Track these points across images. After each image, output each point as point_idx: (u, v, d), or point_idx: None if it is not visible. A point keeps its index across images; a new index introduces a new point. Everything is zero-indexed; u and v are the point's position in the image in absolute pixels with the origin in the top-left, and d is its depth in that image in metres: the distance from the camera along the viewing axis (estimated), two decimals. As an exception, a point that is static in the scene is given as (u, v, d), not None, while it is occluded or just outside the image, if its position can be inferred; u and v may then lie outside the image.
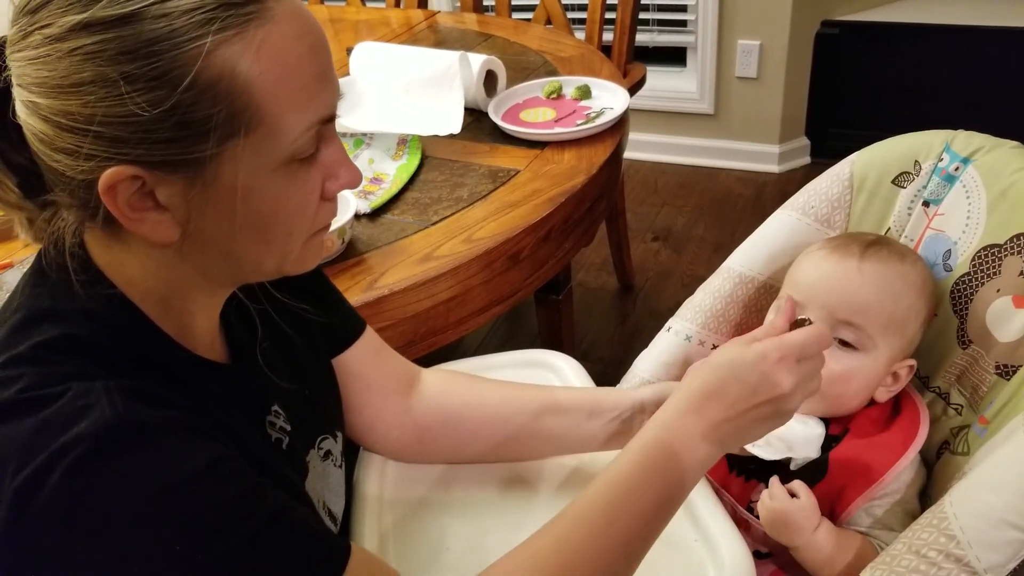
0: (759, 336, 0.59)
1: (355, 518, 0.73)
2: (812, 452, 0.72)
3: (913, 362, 0.76)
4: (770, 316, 0.82)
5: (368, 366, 0.73)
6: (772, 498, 0.73)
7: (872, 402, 0.77)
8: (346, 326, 0.73)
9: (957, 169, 0.80)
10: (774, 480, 0.74)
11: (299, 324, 0.66)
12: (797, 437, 0.71)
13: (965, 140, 0.81)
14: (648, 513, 0.53)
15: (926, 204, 0.82)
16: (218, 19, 0.43)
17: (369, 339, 0.74)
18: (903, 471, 0.72)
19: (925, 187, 0.82)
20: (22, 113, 0.46)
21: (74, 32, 0.43)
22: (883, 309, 0.73)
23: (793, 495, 0.72)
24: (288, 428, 0.61)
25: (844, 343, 0.74)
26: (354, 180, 0.53)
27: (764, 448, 0.71)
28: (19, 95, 0.46)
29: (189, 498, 0.43)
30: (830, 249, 0.76)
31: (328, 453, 0.67)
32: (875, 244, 0.76)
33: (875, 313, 0.73)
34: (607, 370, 1.73)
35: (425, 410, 0.76)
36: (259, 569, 0.44)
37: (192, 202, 0.47)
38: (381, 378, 0.74)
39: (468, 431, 0.75)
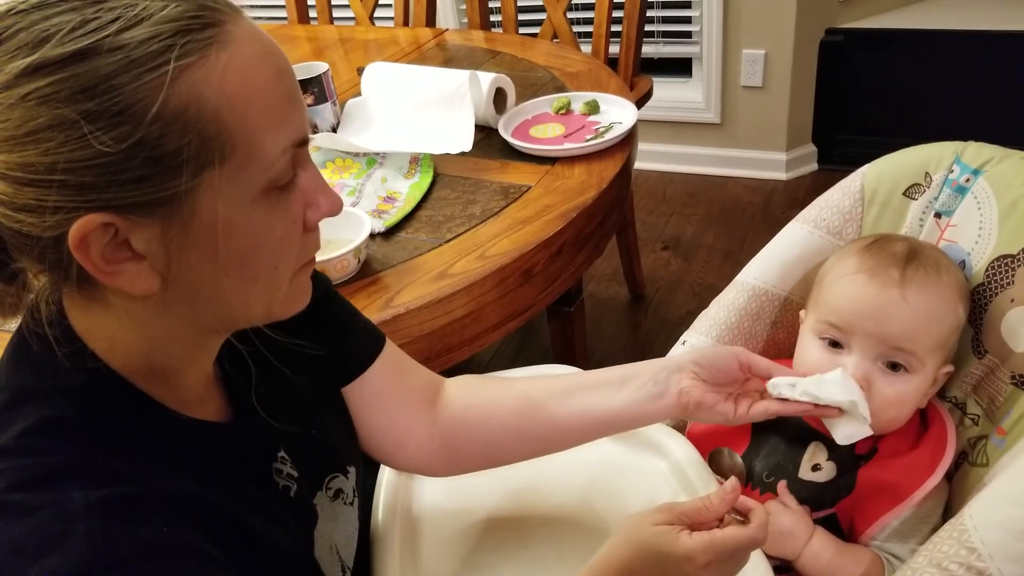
0: (689, 514, 0.57)
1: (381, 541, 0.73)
2: (855, 394, 0.69)
3: (951, 367, 0.76)
4: (803, 341, 0.80)
5: (391, 382, 0.71)
6: (769, 514, 0.74)
7: None
8: (361, 349, 0.70)
9: (968, 180, 0.80)
10: (772, 502, 0.75)
11: (297, 362, 0.63)
12: (834, 386, 0.69)
13: (975, 151, 0.81)
14: None
15: (938, 215, 0.82)
16: (177, 46, 0.41)
17: (391, 354, 0.72)
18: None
19: (936, 199, 0.83)
20: None
21: (24, 77, 0.40)
22: (931, 335, 0.73)
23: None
24: (295, 474, 0.59)
25: (893, 366, 0.74)
26: (334, 207, 0.51)
27: (815, 388, 0.69)
28: None
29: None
30: (868, 273, 0.75)
31: (339, 492, 0.65)
32: (912, 262, 0.74)
33: (924, 338, 0.73)
34: (620, 381, 1.73)
35: (450, 416, 0.73)
36: None
37: (171, 245, 0.44)
38: (407, 393, 0.72)
39: (497, 425, 0.71)
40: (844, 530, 0.75)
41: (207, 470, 0.51)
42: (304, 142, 0.48)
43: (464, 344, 0.98)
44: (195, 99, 0.42)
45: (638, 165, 2.55)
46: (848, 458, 0.76)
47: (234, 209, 0.45)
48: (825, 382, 0.71)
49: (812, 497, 0.75)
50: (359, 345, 0.70)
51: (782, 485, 0.76)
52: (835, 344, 0.76)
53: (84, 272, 0.44)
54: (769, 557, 0.75)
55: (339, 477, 0.65)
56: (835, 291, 0.77)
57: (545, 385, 0.73)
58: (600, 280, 2.11)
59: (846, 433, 0.71)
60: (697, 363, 0.69)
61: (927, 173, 0.83)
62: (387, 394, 0.71)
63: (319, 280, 0.64)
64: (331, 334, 0.67)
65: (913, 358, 0.73)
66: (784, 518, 0.74)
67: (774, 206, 2.34)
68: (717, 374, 0.70)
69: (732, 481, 0.59)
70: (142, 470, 0.46)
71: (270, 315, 0.52)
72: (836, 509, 0.75)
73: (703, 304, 0.94)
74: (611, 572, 0.56)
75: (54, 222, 0.41)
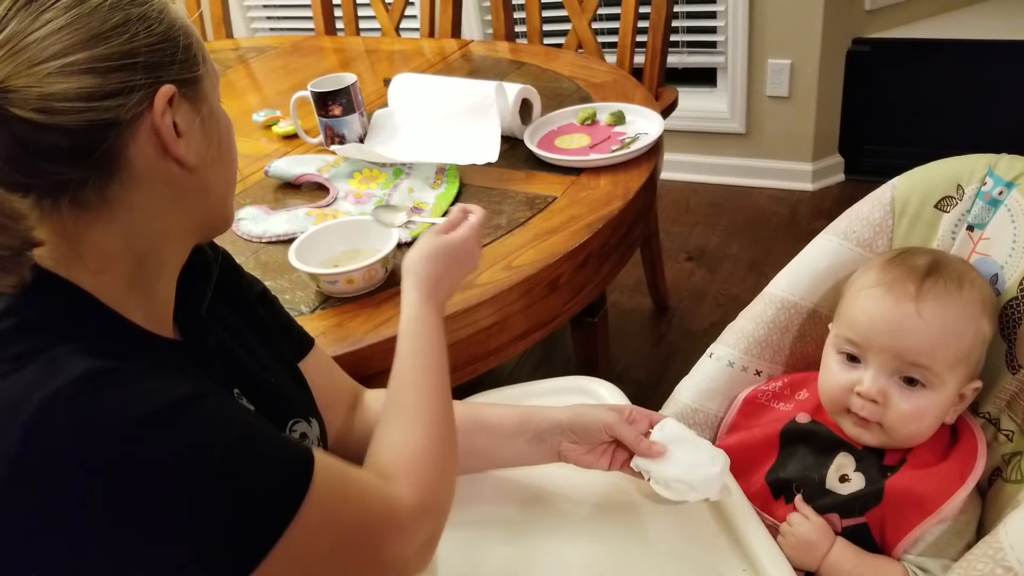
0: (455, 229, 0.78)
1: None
2: (712, 493, 0.71)
3: (979, 383, 0.76)
4: (825, 354, 0.80)
5: (317, 385, 0.76)
6: (792, 525, 0.75)
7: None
8: (300, 339, 0.78)
9: (1001, 193, 0.79)
10: (793, 514, 0.76)
11: (255, 326, 0.71)
12: (696, 479, 0.71)
13: (1008, 164, 0.80)
14: (439, 365, 0.70)
15: (970, 228, 0.81)
16: None
17: (320, 354, 0.79)
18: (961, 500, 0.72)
19: (969, 211, 0.82)
20: (52, 82, 0.48)
21: None
22: (948, 349, 0.72)
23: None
24: (252, 409, 0.63)
25: (910, 381, 0.73)
26: None
27: (665, 490, 0.72)
28: (43, 71, 0.48)
29: (169, 424, 0.47)
30: (885, 287, 0.75)
31: (303, 436, 0.68)
32: (931, 276, 0.74)
33: (940, 354, 0.72)
34: (643, 392, 1.72)
35: (364, 424, 0.78)
36: (234, 484, 0.48)
37: (198, 126, 0.56)
38: (333, 395, 0.78)
39: None
40: (876, 541, 0.74)
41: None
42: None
43: (489, 354, 0.98)
44: (180, 17, 0.56)
45: (662, 175, 2.54)
46: (875, 469, 0.76)
47: (216, 99, 0.59)
48: (696, 473, 0.71)
49: (840, 506, 0.75)
50: (301, 330, 0.79)
51: (798, 498, 0.76)
52: (853, 359, 0.77)
53: (119, 166, 0.52)
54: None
55: (302, 423, 0.69)
56: (853, 305, 0.78)
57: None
58: (623, 290, 2.11)
59: (669, 486, 0.72)
60: (571, 429, 0.77)
61: (959, 185, 0.83)
62: (319, 385, 0.76)
63: (256, 280, 0.77)
64: (280, 316, 0.77)
65: (929, 373, 0.72)
66: (803, 528, 0.74)
67: (800, 217, 2.32)
68: (586, 437, 0.77)
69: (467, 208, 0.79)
70: (121, 355, 0.50)
71: (228, 217, 0.63)
72: (867, 518, 0.74)
73: (727, 315, 0.94)
74: (428, 290, 0.73)
75: (138, 99, 0.51)
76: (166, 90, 0.52)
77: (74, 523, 0.44)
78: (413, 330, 0.71)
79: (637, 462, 0.74)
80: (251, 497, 0.49)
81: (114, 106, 0.50)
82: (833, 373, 0.78)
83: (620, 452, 0.77)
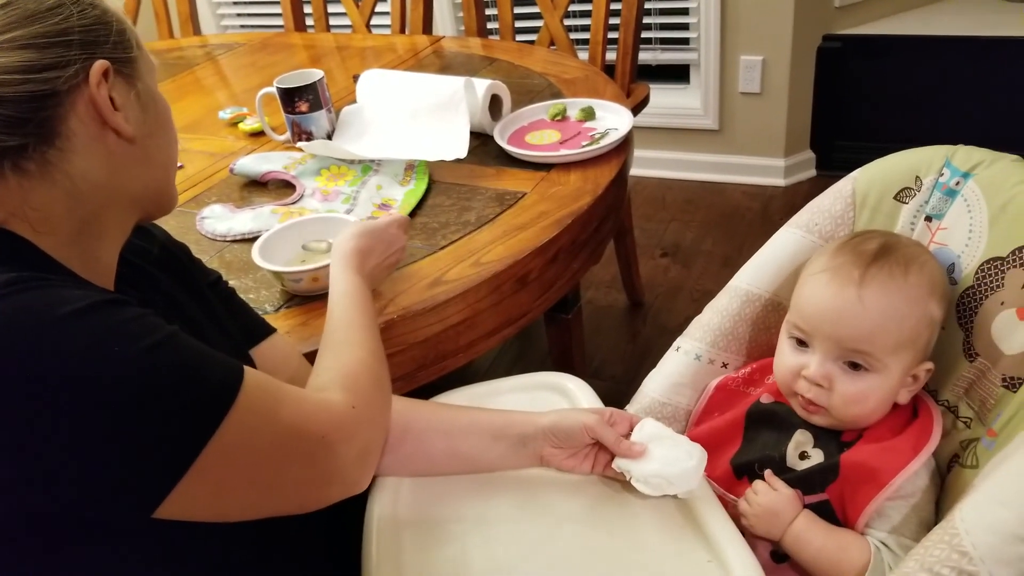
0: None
1: (371, 545, 0.74)
2: (692, 484, 0.72)
3: (930, 365, 0.77)
4: (780, 339, 0.82)
5: (270, 372, 0.76)
6: (755, 493, 0.76)
7: (894, 405, 0.77)
8: (261, 322, 0.81)
9: (958, 184, 0.80)
10: (757, 482, 0.77)
11: (207, 313, 0.73)
12: (674, 473, 0.72)
13: (965, 155, 0.81)
14: (368, 320, 0.75)
15: (928, 219, 0.83)
16: None
17: (279, 344, 0.81)
18: (918, 475, 0.73)
19: (927, 202, 0.83)
20: None
21: None
22: (888, 335, 0.73)
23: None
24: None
25: (854, 365, 0.75)
26: None
27: (645, 486, 0.73)
28: None
29: (91, 322, 0.48)
30: (831, 272, 0.76)
31: None
32: (877, 261, 0.75)
33: (881, 340, 0.73)
34: (618, 387, 1.73)
35: None
36: (161, 380, 0.49)
37: (134, 103, 0.59)
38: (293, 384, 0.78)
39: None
40: (840, 518, 0.75)
41: None
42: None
43: (459, 351, 0.98)
44: (113, 8, 0.60)
45: (636, 172, 2.56)
46: (833, 444, 0.77)
47: (151, 82, 0.63)
48: (673, 468, 0.72)
49: (801, 482, 0.77)
50: (258, 318, 0.82)
51: (768, 472, 0.78)
52: (802, 343, 0.78)
53: (57, 134, 0.55)
54: (759, 539, 0.76)
55: None
56: (801, 291, 0.80)
57: (429, 416, 0.79)
58: (599, 287, 2.11)
59: (648, 481, 0.73)
60: (553, 433, 0.76)
61: (917, 177, 0.84)
62: (274, 372, 0.75)
63: (212, 271, 0.80)
64: (231, 303, 0.80)
65: (871, 358, 0.74)
66: (767, 497, 0.76)
67: (772, 212, 2.34)
68: (568, 441, 0.76)
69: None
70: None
71: (170, 196, 0.66)
72: (828, 495, 0.75)
73: (702, 311, 0.95)
74: (355, 263, 0.80)
75: (74, 71, 0.55)
76: (100, 65, 0.56)
77: None
78: (342, 288, 0.77)
79: (618, 462, 0.74)
80: (179, 397, 0.49)
81: (51, 77, 0.54)
82: (784, 356, 0.80)
83: (602, 455, 0.77)
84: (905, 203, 0.84)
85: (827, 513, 0.75)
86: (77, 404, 0.46)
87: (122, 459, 0.47)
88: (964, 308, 0.77)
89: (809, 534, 0.74)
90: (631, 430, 0.76)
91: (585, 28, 2.30)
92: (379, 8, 2.00)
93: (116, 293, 0.54)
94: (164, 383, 0.49)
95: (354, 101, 1.40)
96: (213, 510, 0.53)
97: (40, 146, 0.54)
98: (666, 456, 0.73)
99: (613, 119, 1.28)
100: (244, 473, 0.53)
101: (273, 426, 0.54)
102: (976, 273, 0.76)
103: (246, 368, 0.54)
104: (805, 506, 0.76)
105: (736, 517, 0.74)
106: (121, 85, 0.59)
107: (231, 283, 0.83)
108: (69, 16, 0.55)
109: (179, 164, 0.69)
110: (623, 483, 0.76)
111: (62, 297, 0.49)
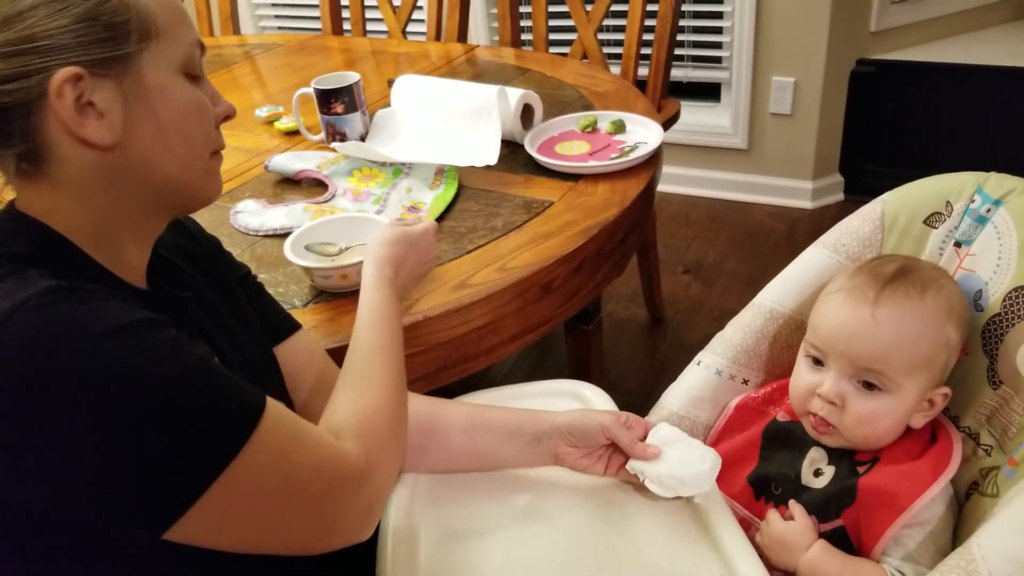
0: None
1: (386, 541, 0.74)
2: (705, 487, 0.73)
3: (947, 390, 0.76)
4: (798, 358, 0.82)
5: (296, 369, 0.77)
6: (768, 524, 0.76)
7: (908, 430, 0.77)
8: (287, 318, 0.80)
9: (989, 211, 0.80)
10: (771, 511, 0.77)
11: (234, 307, 0.72)
12: (687, 474, 0.72)
13: (997, 182, 0.81)
14: (394, 339, 0.73)
15: (957, 244, 0.82)
16: None
17: (304, 341, 0.80)
18: (935, 501, 0.72)
19: (957, 228, 0.83)
20: None
21: None
22: (903, 354, 0.73)
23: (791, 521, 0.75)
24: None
25: (868, 385, 0.75)
26: (232, 109, 0.64)
27: (658, 487, 0.73)
28: None
29: (124, 341, 0.48)
30: (847, 292, 0.76)
31: None
32: (893, 282, 0.75)
33: (895, 359, 0.73)
34: (634, 401, 1.72)
35: None
36: (185, 405, 0.49)
37: (124, 104, 0.55)
38: (317, 382, 0.78)
39: None
40: (854, 545, 0.75)
41: None
42: (202, 46, 0.61)
43: (481, 354, 0.99)
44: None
45: (662, 188, 2.55)
46: (847, 463, 0.77)
47: (166, 77, 0.57)
48: (686, 470, 0.73)
49: (817, 504, 0.76)
50: (285, 315, 0.81)
51: (792, 502, 0.78)
52: (818, 362, 0.79)
53: (40, 144, 0.53)
54: (774, 569, 0.76)
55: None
56: (817, 310, 0.80)
57: (449, 413, 0.80)
58: (619, 301, 2.12)
59: (662, 482, 0.73)
60: (569, 432, 0.77)
61: (948, 202, 0.84)
62: (299, 369, 0.77)
63: (243, 265, 0.80)
64: (259, 300, 0.79)
65: (885, 378, 0.74)
66: (779, 527, 0.76)
67: (798, 234, 2.33)
68: (584, 440, 0.77)
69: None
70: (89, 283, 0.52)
71: (196, 192, 0.62)
72: (843, 521, 0.75)
73: (722, 329, 0.95)
74: (387, 274, 0.78)
75: (38, 81, 0.52)
76: (63, 73, 0.52)
77: (10, 429, 0.45)
78: (371, 306, 0.74)
79: (632, 464, 0.75)
80: (200, 425, 0.49)
81: (15, 89, 0.52)
82: (800, 375, 0.80)
83: (616, 457, 0.78)
84: (935, 228, 0.84)
85: (841, 540, 0.75)
86: (101, 420, 0.46)
87: (139, 478, 0.47)
88: (989, 335, 0.77)
89: (824, 564, 0.73)
90: (646, 435, 0.77)
91: (618, 43, 2.31)
92: (415, 15, 2.03)
93: (153, 313, 0.52)
94: (188, 408, 0.49)
95: (388, 105, 1.42)
96: (212, 539, 0.52)
97: (29, 156, 0.54)
98: (680, 458, 0.73)
99: (643, 133, 1.29)
100: (249, 507, 0.52)
101: (285, 465, 0.53)
102: (1003, 301, 0.76)
103: (268, 400, 0.54)
104: (821, 534, 0.75)
105: (756, 540, 0.75)
106: (106, 87, 0.54)
107: (261, 277, 0.85)
108: (38, 21, 0.52)
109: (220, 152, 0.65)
110: (637, 487, 0.76)
111: (99, 312, 0.49)
